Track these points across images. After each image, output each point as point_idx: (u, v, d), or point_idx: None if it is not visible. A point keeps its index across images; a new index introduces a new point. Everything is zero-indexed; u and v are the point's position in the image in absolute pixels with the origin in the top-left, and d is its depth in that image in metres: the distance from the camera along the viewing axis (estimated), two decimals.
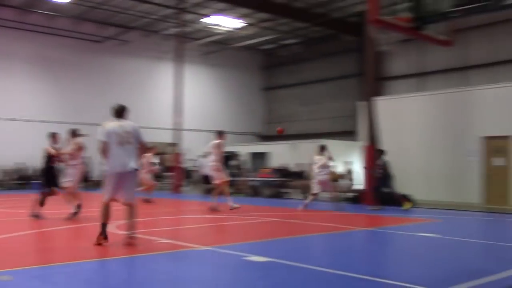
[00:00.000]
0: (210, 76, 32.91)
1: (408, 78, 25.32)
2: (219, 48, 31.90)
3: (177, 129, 23.94)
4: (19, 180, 24.30)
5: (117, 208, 7.47)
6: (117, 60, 29.02)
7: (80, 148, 10.81)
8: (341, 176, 19.20)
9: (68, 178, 10.78)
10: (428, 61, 24.34)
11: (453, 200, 15.91)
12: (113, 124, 7.26)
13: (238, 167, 23.68)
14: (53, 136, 11.06)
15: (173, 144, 24.31)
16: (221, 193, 13.21)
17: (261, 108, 35.42)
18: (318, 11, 25.76)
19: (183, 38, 25.52)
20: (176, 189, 22.91)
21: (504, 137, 15.72)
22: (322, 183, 13.80)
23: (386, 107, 18.17)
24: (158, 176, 20.14)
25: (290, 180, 20.16)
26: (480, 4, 7.76)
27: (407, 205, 13.81)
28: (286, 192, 20.19)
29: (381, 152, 14.69)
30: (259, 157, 26.01)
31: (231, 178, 21.84)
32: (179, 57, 24.72)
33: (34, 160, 20.14)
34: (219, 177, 13.03)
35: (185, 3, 24.86)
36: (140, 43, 29.63)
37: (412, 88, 24.36)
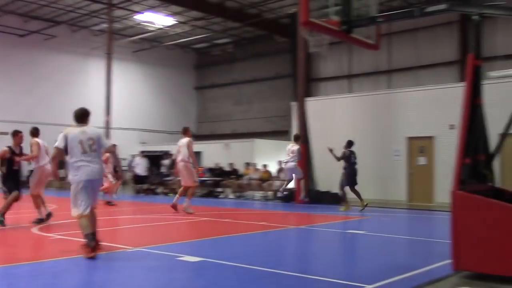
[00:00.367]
0: (142, 74, 32.28)
1: (339, 80, 26.07)
2: (151, 46, 31.40)
3: (107, 127, 23.31)
4: None
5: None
6: (43, 56, 27.75)
7: (39, 148, 9.71)
8: (271, 176, 19.42)
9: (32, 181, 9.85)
10: (358, 63, 25.18)
11: (381, 198, 16.53)
12: (75, 130, 6.80)
13: (171, 166, 23.39)
14: (16, 135, 9.78)
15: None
16: (184, 194, 12.61)
17: (194, 107, 35.20)
18: (251, 12, 25.98)
19: (114, 34, 24.89)
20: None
21: (427, 138, 16.54)
22: (290, 170, 14.74)
23: (316, 107, 18.60)
24: None
25: (223, 179, 20.19)
26: (403, 10, 8.15)
27: (346, 207, 13.58)
28: (219, 192, 20.20)
29: (349, 144, 13.83)
30: None
31: (165, 178, 21.79)
32: (109, 54, 24.08)
33: None
34: (191, 180, 12.35)
35: None
36: (68, 39, 28.52)
37: (343, 90, 25.12)
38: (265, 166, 19.84)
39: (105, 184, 14.17)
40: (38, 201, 9.79)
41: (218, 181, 20.27)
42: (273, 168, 19.83)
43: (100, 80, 25.28)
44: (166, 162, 23.50)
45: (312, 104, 18.40)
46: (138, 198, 19.73)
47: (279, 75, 29.93)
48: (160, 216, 12.00)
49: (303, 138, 16.74)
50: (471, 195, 5.37)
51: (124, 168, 23.93)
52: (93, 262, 6.12)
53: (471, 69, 5.73)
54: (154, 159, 23.75)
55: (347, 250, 7.89)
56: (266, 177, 19.18)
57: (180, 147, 12.42)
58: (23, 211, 10.79)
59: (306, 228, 10.54)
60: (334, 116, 18.72)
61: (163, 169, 22.33)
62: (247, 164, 20.49)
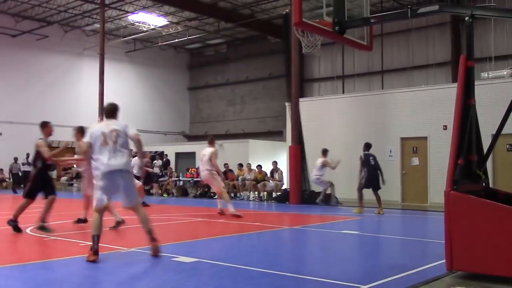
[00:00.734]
0: (135, 74, 32.20)
1: (332, 80, 26.14)
2: (144, 46, 31.35)
3: None
4: None
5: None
6: (36, 55, 27.61)
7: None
8: (266, 177, 19.44)
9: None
10: (351, 64, 25.25)
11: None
12: (99, 124, 6.78)
13: (164, 167, 23.39)
14: (46, 126, 8.92)
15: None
16: (221, 197, 12.52)
17: (187, 107, 35.16)
18: (244, 12, 26.00)
19: (107, 34, 24.83)
20: None
21: (420, 138, 16.62)
22: (316, 182, 15.65)
23: (310, 108, 18.65)
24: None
25: None
26: (396, 11, 8.21)
27: (359, 210, 13.18)
28: (214, 192, 20.16)
29: (366, 147, 13.47)
30: (185, 157, 25.83)
31: (160, 179, 21.75)
32: (102, 54, 24.00)
33: None
34: (219, 186, 12.36)
35: None
36: (60, 39, 28.42)
37: (336, 90, 25.19)
38: (259, 166, 19.85)
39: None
40: (88, 202, 9.34)
41: None
42: (267, 169, 19.84)
43: (93, 80, 25.20)
44: (158, 162, 23.45)
45: (306, 105, 18.44)
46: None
47: (272, 75, 29.96)
48: (154, 217, 11.95)
49: (296, 139, 16.78)
50: (464, 196, 5.40)
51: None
52: (84, 263, 6.08)
53: (464, 69, 5.77)
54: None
55: (342, 250, 7.92)
56: (260, 178, 19.21)
57: (203, 156, 12.28)
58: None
59: (301, 228, 10.57)
60: (328, 117, 18.77)
61: (156, 170, 22.24)
62: (240, 166, 20.49)
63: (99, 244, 6.27)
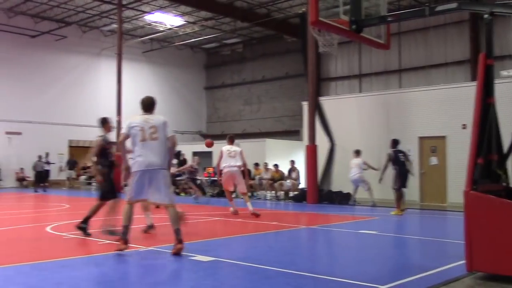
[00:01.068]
0: (152, 74, 32.44)
1: (349, 79, 25.99)
2: (161, 46, 31.53)
3: (118, 127, 23.39)
4: None
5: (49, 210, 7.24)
6: (54, 56, 28.01)
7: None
8: (283, 176, 19.41)
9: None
10: (368, 63, 25.08)
11: (393, 198, 16.45)
12: (139, 118, 6.76)
13: (180, 166, 23.42)
14: (106, 122, 8.57)
15: (114, 144, 23.77)
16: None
17: (204, 107, 35.29)
18: (260, 12, 25.98)
19: (124, 34, 25.03)
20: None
21: (439, 137, 16.44)
22: (354, 181, 15.63)
23: (328, 107, 18.57)
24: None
25: None
26: (414, 9, 8.14)
27: (398, 211, 12.77)
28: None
29: (394, 143, 13.15)
30: (203, 156, 25.88)
31: (176, 178, 21.82)
32: (119, 54, 24.20)
33: None
34: (246, 185, 12.38)
35: None
36: (78, 39, 28.77)
37: (353, 89, 25.05)
38: (276, 166, 19.81)
39: None
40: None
41: None
42: (284, 168, 19.80)
43: (111, 80, 25.45)
44: (174, 161, 23.51)
45: (323, 104, 18.37)
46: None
47: (289, 74, 29.92)
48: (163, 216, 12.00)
49: (311, 138, 16.73)
50: (484, 195, 5.34)
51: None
52: (103, 261, 6.14)
53: (483, 68, 5.70)
54: None
55: (360, 250, 7.87)
56: (277, 177, 19.19)
57: (230, 152, 11.97)
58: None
59: (318, 228, 10.54)
60: (345, 116, 18.66)
61: (172, 169, 22.28)
62: (256, 165, 20.48)
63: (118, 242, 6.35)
